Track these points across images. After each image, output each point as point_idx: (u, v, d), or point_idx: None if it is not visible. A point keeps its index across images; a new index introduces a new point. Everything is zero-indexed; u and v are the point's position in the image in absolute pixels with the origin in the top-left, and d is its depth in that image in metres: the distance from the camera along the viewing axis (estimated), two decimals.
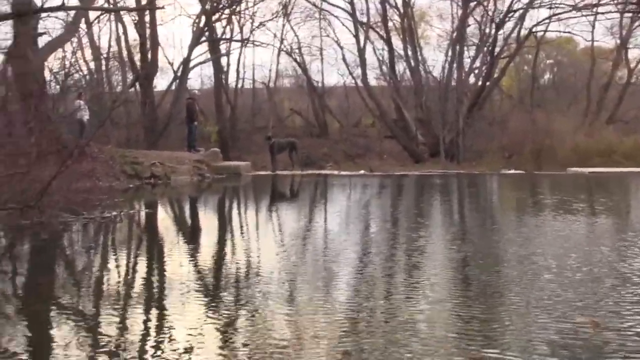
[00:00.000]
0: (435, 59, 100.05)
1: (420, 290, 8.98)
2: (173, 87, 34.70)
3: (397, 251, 12.23)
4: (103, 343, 7.00)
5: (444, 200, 21.77)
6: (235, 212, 19.64)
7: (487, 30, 48.35)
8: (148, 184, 22.81)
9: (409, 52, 46.28)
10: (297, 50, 44.67)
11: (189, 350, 6.80)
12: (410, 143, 40.80)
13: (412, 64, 45.50)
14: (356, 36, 43.67)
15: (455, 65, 46.90)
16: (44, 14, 22.86)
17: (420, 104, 43.31)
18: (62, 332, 7.47)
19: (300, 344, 6.89)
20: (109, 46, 37.68)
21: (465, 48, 48.81)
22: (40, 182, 14.45)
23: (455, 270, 10.50)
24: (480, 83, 47.53)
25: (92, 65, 33.58)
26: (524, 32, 49.06)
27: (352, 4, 44.94)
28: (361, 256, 11.57)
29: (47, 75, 25.44)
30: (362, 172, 25.77)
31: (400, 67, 47.42)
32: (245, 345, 6.88)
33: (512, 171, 34.84)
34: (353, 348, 6.61)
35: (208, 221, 17.38)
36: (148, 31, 33.77)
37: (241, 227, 16.35)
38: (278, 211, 18.52)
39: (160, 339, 7.27)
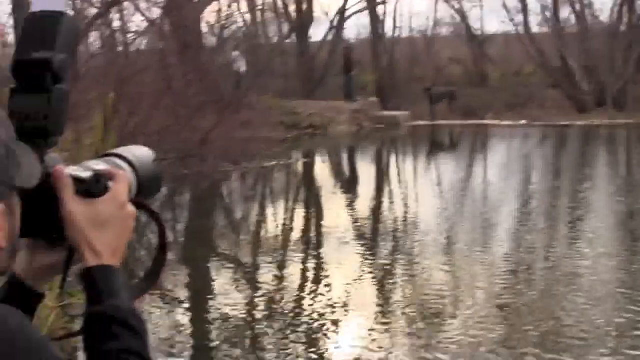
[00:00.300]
0: (603, 1, 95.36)
1: (583, 243, 8.62)
2: (329, 37, 34.76)
3: (559, 203, 11.80)
4: (260, 290, 7.11)
5: (610, 151, 20.77)
6: (393, 162, 19.52)
7: None
8: (306, 134, 23.00)
9: None
10: None
11: (345, 299, 6.85)
12: (574, 92, 39.15)
13: (578, 8, 43.48)
14: None
15: (625, 8, 44.43)
16: None
17: (586, 50, 41.36)
18: (221, 279, 7.67)
19: (458, 295, 6.78)
20: None
21: None
22: (200, 132, 14.86)
23: (620, 223, 10.01)
24: None
25: (247, 16, 34.09)
26: None
27: None
28: (522, 208, 11.23)
29: (204, 27, 26.03)
30: (523, 122, 24.99)
31: (565, 12, 45.48)
32: (402, 295, 6.85)
33: None
34: (512, 302, 6.44)
35: (366, 171, 17.34)
36: None
37: (399, 177, 16.24)
38: (437, 162, 18.26)
39: (317, 287, 7.35)
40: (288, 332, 5.90)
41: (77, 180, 1.19)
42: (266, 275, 7.74)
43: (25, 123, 1.14)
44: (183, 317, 6.33)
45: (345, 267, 7.94)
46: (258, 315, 6.36)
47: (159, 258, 1.33)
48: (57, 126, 1.18)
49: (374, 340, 5.72)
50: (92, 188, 1.19)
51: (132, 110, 12.52)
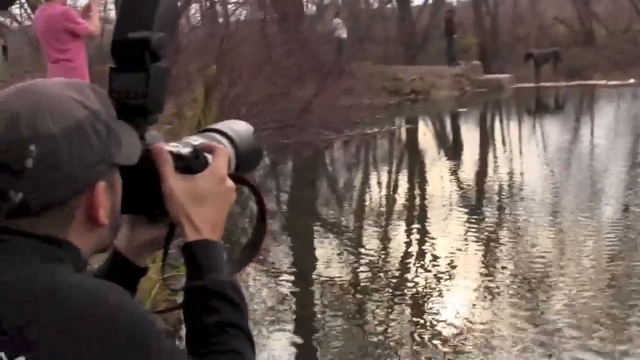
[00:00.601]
0: None
1: None
2: (430, 0, 34.25)
3: None
4: (364, 258, 7.08)
5: None
6: (497, 126, 19.10)
7: None
8: (408, 100, 22.77)
9: None
10: None
11: (450, 268, 6.77)
12: None
13: None
14: None
15: None
16: None
17: None
18: (325, 247, 7.69)
19: (564, 263, 6.59)
20: None
21: None
22: (300, 101, 14.87)
23: None
24: None
25: None
26: None
27: None
28: (630, 172, 10.81)
29: None
30: (631, 81, 24.03)
31: None
32: (507, 263, 6.71)
33: None
34: (619, 269, 6.22)
35: (469, 136, 17.03)
36: None
37: (503, 142, 15.90)
38: (542, 125, 17.79)
39: (421, 256, 7.27)
40: (392, 301, 5.88)
41: (177, 157, 1.20)
42: (370, 243, 7.72)
43: (125, 102, 1.17)
44: (286, 286, 6.36)
45: (450, 234, 7.83)
46: (362, 284, 6.35)
47: (259, 231, 1.34)
48: (156, 104, 1.21)
49: (477, 310, 5.63)
50: (192, 164, 1.21)
51: (233, 82, 12.63)
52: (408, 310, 5.69)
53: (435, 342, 5.03)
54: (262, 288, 6.25)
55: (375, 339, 5.20)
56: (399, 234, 8.12)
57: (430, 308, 5.77)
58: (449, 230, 8.02)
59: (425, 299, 5.95)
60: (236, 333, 1.14)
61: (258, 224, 1.35)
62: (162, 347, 1.01)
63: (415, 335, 5.16)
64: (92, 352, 0.94)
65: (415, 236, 8.03)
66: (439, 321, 5.44)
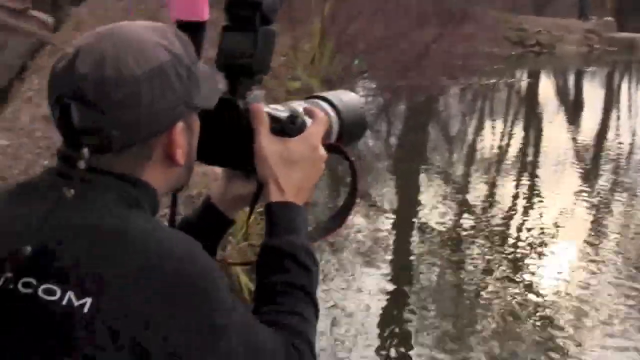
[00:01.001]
0: None
1: None
2: None
3: None
4: (468, 207, 6.96)
5: None
6: (624, 89, 18.35)
7: None
8: (531, 52, 22.06)
9: None
10: None
11: (556, 226, 6.54)
12: None
13: None
14: None
15: None
16: None
17: None
18: (430, 192, 7.56)
19: None
20: None
21: None
22: (419, 44, 14.57)
23: None
24: None
25: None
26: None
27: None
28: None
29: None
30: None
31: None
32: (616, 229, 6.45)
33: None
34: None
35: (593, 96, 16.38)
36: None
37: (629, 105, 15.26)
38: None
39: (527, 211, 7.07)
40: (491, 256, 5.73)
41: (274, 118, 1.24)
42: (476, 192, 7.57)
43: (232, 61, 1.24)
44: (386, 228, 6.28)
45: (560, 193, 7.59)
46: (463, 233, 6.23)
47: (349, 201, 1.37)
48: (262, 65, 1.26)
49: (577, 276, 5.45)
50: (287, 128, 1.25)
51: (351, 17, 12.44)
52: (506, 267, 5.54)
53: (528, 304, 4.91)
54: (360, 226, 6.16)
55: (469, 294, 5.09)
56: (506, 187, 7.91)
57: (529, 267, 5.62)
58: (559, 190, 7.77)
59: (525, 258, 5.78)
60: (303, 297, 1.17)
61: (349, 195, 1.38)
62: (223, 301, 1.03)
63: (509, 296, 5.03)
64: (156, 300, 0.97)
65: (523, 191, 7.83)
66: (535, 283, 5.30)
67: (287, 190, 1.23)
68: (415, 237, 6.19)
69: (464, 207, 6.95)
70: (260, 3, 1.22)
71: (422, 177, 8.23)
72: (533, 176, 8.54)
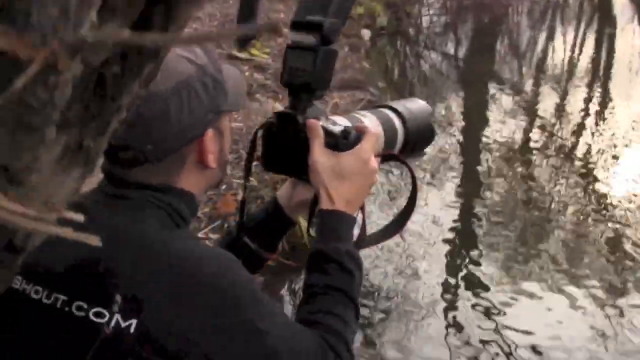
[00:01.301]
0: None
1: None
2: None
3: None
4: (538, 119, 6.85)
5: None
6: None
7: None
8: None
9: None
10: None
11: (628, 137, 6.40)
12: None
13: None
14: None
15: None
16: None
17: None
18: (498, 104, 7.45)
19: None
20: None
21: None
22: None
23: None
24: None
25: None
26: None
27: None
28: None
29: None
30: None
31: None
32: None
33: None
34: None
35: None
36: None
37: None
38: None
39: (598, 122, 6.92)
40: (560, 168, 5.66)
41: (328, 133, 1.33)
42: (546, 103, 7.45)
43: (294, 79, 1.31)
44: (453, 140, 6.23)
45: (631, 105, 7.39)
46: (532, 144, 6.16)
47: (408, 208, 1.46)
48: (320, 83, 1.32)
49: None
50: (339, 143, 1.33)
51: None
52: (575, 179, 5.48)
53: (599, 216, 4.84)
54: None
55: (538, 204, 5.06)
56: (578, 97, 7.77)
57: (601, 175, 5.53)
58: (631, 101, 7.57)
59: (596, 166, 5.69)
60: (343, 299, 1.26)
61: (409, 202, 1.46)
62: (263, 308, 1.11)
63: (580, 205, 4.98)
64: (195, 315, 1.04)
65: (594, 102, 7.66)
66: (606, 194, 5.22)
67: (337, 201, 1.31)
68: (483, 149, 6.11)
69: (534, 119, 6.85)
70: (321, 25, 1.28)
71: (492, 88, 8.09)
72: (605, 86, 8.34)
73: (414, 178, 1.43)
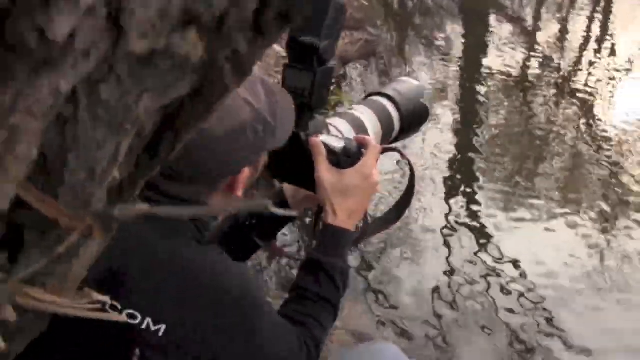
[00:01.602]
0: None
1: None
2: None
3: None
4: (537, 48, 6.83)
5: None
6: None
7: None
8: None
9: None
10: None
11: (628, 65, 6.39)
12: None
13: None
14: None
15: None
16: None
17: None
18: (498, 34, 7.37)
19: None
20: None
21: None
22: None
23: None
24: None
25: None
26: None
27: None
28: None
29: None
30: None
31: None
32: None
33: None
34: None
35: None
36: None
37: None
38: None
39: (599, 49, 6.89)
40: (560, 98, 5.67)
41: (330, 151, 1.41)
42: (546, 32, 7.40)
43: (293, 97, 1.31)
44: (451, 72, 6.20)
45: (634, 31, 7.33)
46: (530, 77, 6.16)
47: (406, 198, 1.53)
48: (320, 102, 1.40)
49: None
50: (341, 161, 1.41)
51: None
52: (574, 109, 5.48)
53: (595, 145, 4.90)
54: (424, 68, 6.07)
55: (536, 135, 5.09)
56: (578, 23, 7.71)
57: (600, 107, 5.55)
58: (634, 27, 7.50)
59: (595, 97, 5.70)
60: (328, 308, 1.40)
61: (406, 192, 1.53)
62: (264, 322, 1.22)
63: (578, 133, 4.99)
64: (205, 319, 1.14)
65: (595, 29, 7.59)
66: (604, 124, 5.26)
67: (340, 215, 1.43)
68: (481, 80, 6.09)
69: (533, 49, 6.81)
70: (316, 48, 1.32)
71: (492, 18, 8.02)
72: (607, 12, 8.27)
73: (412, 168, 1.51)
